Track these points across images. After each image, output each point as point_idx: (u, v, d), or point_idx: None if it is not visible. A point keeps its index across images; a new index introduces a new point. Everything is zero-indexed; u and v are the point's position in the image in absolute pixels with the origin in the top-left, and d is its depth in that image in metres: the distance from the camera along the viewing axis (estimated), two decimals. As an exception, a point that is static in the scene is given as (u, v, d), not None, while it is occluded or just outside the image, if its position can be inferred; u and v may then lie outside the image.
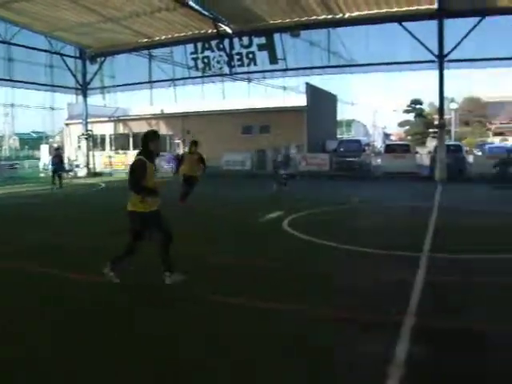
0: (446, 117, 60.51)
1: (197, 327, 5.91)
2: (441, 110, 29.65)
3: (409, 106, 78.24)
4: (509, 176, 19.82)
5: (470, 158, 34.10)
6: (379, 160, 35.61)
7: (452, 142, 42.01)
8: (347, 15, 28.75)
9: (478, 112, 74.18)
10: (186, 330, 5.83)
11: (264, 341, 5.47)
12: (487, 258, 9.27)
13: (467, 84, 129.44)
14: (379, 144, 61.71)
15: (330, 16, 28.95)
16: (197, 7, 27.62)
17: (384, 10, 27.84)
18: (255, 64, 33.29)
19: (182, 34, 33.07)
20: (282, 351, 5.18)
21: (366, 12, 28.21)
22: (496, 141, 63.27)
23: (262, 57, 32.99)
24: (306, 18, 29.26)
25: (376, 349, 5.14)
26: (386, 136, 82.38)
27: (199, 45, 34.52)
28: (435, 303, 6.72)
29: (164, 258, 7.27)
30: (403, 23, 27.87)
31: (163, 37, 33.60)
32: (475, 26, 26.56)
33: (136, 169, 7.10)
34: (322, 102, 40.76)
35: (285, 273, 8.29)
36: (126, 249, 7.29)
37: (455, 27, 27.39)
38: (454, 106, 64.61)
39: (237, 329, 5.83)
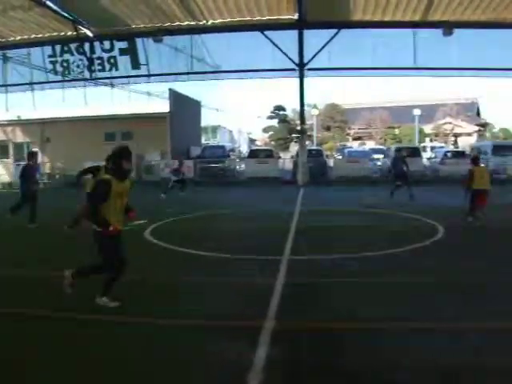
0: (309, 122, 62.86)
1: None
2: (302, 117, 30.72)
3: (272, 112, 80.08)
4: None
5: (331, 162, 35.53)
6: (243, 165, 36.06)
7: (314, 147, 43.61)
8: (210, 22, 28.87)
9: (338, 118, 77.48)
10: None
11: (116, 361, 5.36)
12: (347, 257, 9.68)
13: (328, 91, 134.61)
14: (244, 149, 62.59)
15: (193, 22, 28.86)
16: (55, 7, 26.14)
17: (247, 19, 28.26)
18: (117, 69, 32.14)
19: (40, 36, 31.26)
20: (128, 364, 5.10)
21: (229, 20, 28.49)
22: (355, 145, 66.49)
23: (125, 62, 31.99)
24: (169, 23, 28.97)
25: (235, 355, 5.17)
26: (252, 141, 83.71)
27: (58, 47, 32.53)
28: (294, 305, 6.88)
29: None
30: (265, 32, 28.50)
31: (18, 37, 31.33)
32: (333, 38, 27.95)
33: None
34: (185, 108, 40.68)
35: (143, 284, 8.01)
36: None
37: (318, 37, 28.49)
38: (315, 112, 66.96)
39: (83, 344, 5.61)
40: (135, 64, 31.78)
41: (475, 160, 16.00)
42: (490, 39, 28.79)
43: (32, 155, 15.22)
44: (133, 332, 5.99)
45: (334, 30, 28.19)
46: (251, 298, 7.20)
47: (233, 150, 42.03)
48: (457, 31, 27.86)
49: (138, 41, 31.48)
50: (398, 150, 23.91)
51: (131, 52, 31.69)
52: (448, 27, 27.51)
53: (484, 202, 14.86)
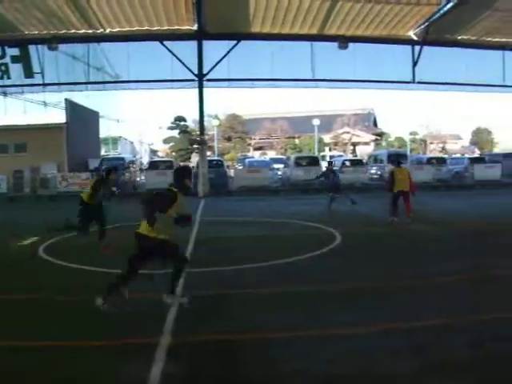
0: (210, 133, 63.00)
1: None
2: (201, 127, 30.76)
3: (173, 122, 79.44)
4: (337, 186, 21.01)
5: (232, 173, 35.71)
6: (143, 177, 35.49)
7: (215, 158, 43.67)
8: (108, 31, 28.30)
9: (239, 128, 77.94)
10: None
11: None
12: (246, 267, 9.77)
13: (229, 102, 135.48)
14: (146, 161, 61.91)
15: (90, 31, 28.19)
16: None
17: (145, 28, 27.98)
18: (9, 77, 30.46)
19: None
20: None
21: (127, 29, 28.07)
22: (256, 155, 67.10)
23: (19, 69, 30.28)
24: (65, 30, 28.07)
25: (130, 374, 5.05)
26: (154, 152, 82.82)
27: None
28: (191, 318, 6.80)
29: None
30: (165, 42, 28.32)
31: None
32: (232, 49, 28.23)
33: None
34: (83, 119, 39.78)
35: (28, 303, 7.70)
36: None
37: (218, 48, 28.61)
38: (216, 122, 67.09)
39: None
40: (28, 72, 30.20)
41: (398, 162, 16.87)
42: (383, 53, 30.06)
43: None
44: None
45: (234, 42, 28.47)
46: (146, 314, 7.04)
47: (133, 161, 41.31)
48: (352, 45, 28.88)
49: (32, 48, 29.99)
50: (330, 162, 24.17)
51: (24, 60, 30.11)
52: (343, 41, 28.47)
53: (408, 204, 16.01)
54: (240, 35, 28.51)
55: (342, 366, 5.21)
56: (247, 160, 42.25)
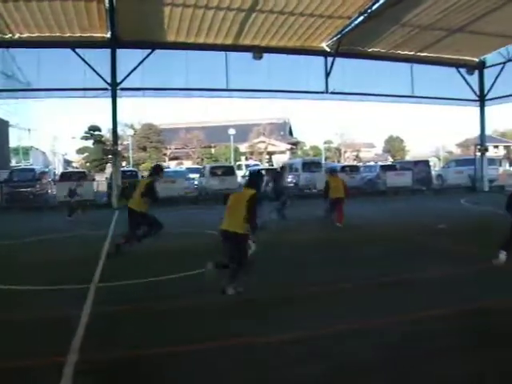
0: (125, 142, 62.10)
1: None
2: (114, 137, 30.11)
3: (87, 132, 77.86)
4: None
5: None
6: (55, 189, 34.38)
7: (129, 168, 43.05)
8: (17, 36, 27.28)
9: (154, 138, 77.22)
10: None
11: None
12: (157, 280, 9.61)
13: (145, 111, 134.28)
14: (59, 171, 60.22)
15: (-3, 35, 27.13)
16: None
17: (57, 35, 27.13)
18: None
19: None
20: None
21: (37, 34, 27.14)
22: (172, 165, 66.68)
23: None
24: (-31, 35, 26.90)
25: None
26: (68, 163, 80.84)
27: None
28: (101, 335, 6.59)
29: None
30: (78, 50, 27.58)
31: None
32: (146, 58, 27.92)
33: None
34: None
35: None
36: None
37: (132, 57, 28.16)
38: (130, 132, 66.22)
39: None
40: None
41: (332, 172, 18.56)
42: (298, 64, 30.59)
43: None
44: None
45: (148, 50, 28.15)
46: (52, 333, 6.71)
47: (44, 172, 39.96)
48: (267, 55, 29.21)
49: None
50: (280, 169, 24.17)
51: None
52: (258, 51, 28.73)
53: (340, 212, 17.16)
54: (154, 44, 28.20)
55: (242, 377, 5.25)
56: (162, 170, 41.79)
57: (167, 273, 10.06)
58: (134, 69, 28.06)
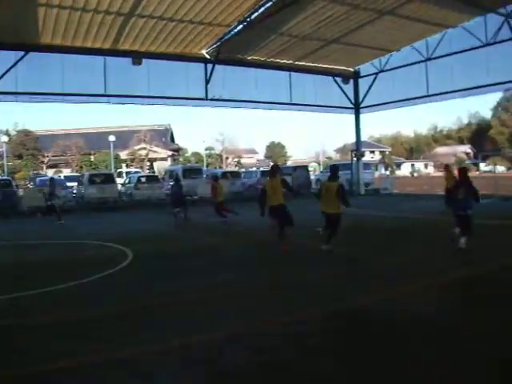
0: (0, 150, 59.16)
1: None
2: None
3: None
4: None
5: (21, 192, 33.74)
6: None
7: (3, 177, 41.12)
8: None
9: (31, 145, 74.03)
10: None
11: None
12: (30, 294, 9.17)
13: (21, 116, 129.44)
14: None
15: None
16: None
17: None
18: None
19: None
20: None
21: None
22: (50, 173, 64.37)
23: None
24: None
25: None
26: None
27: None
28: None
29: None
30: None
31: None
32: (19, 60, 26.67)
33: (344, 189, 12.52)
34: None
35: None
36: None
37: (7, 59, 26.79)
38: (5, 138, 63.29)
39: None
40: None
41: (213, 177, 21.37)
42: (178, 70, 30.49)
43: None
44: None
45: (22, 53, 26.89)
46: None
47: None
48: (146, 61, 28.87)
49: None
50: (176, 179, 24.04)
51: None
52: (137, 57, 28.32)
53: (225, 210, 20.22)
54: (28, 46, 26.96)
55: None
56: (38, 179, 40.31)
57: (37, 287, 9.67)
58: (6, 72, 26.69)
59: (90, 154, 74.82)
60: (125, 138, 70.71)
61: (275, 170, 14.22)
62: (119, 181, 39.20)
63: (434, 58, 31.77)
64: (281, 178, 13.75)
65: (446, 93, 32.35)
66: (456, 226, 12.65)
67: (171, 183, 24.69)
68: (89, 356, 5.98)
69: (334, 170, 12.93)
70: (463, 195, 11.96)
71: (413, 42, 32.28)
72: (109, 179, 33.49)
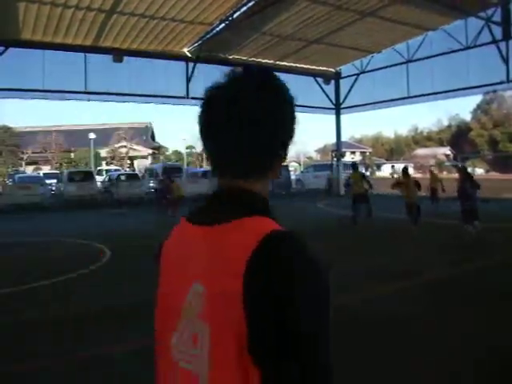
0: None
1: None
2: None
3: None
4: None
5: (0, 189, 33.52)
6: None
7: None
8: None
9: (10, 141, 73.28)
10: None
11: None
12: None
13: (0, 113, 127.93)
14: None
15: None
16: None
17: None
18: None
19: None
20: None
21: None
22: (29, 170, 63.81)
23: None
24: None
25: None
26: None
27: None
28: None
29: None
30: None
31: None
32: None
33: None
34: None
35: None
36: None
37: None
38: (-17, 135, 62.72)
39: None
40: None
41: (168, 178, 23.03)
42: (159, 68, 30.39)
43: None
44: None
45: (1, 48, 26.64)
46: None
47: None
48: (127, 58, 28.72)
49: None
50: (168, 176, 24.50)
51: None
52: (118, 54, 28.15)
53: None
54: (8, 42, 26.72)
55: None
56: (17, 176, 40.02)
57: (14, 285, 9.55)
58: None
59: (70, 152, 74.27)
60: (105, 135, 70.31)
61: None
62: (99, 179, 38.99)
63: (415, 60, 31.99)
64: None
65: (427, 94, 32.57)
66: (464, 221, 14.39)
67: (157, 180, 25.03)
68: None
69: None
70: (470, 189, 14.22)
71: (394, 44, 32.50)
72: (88, 177, 33.34)
